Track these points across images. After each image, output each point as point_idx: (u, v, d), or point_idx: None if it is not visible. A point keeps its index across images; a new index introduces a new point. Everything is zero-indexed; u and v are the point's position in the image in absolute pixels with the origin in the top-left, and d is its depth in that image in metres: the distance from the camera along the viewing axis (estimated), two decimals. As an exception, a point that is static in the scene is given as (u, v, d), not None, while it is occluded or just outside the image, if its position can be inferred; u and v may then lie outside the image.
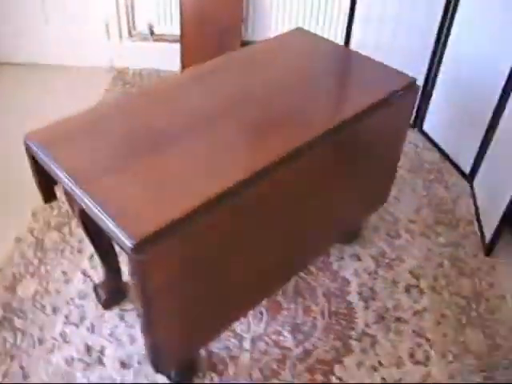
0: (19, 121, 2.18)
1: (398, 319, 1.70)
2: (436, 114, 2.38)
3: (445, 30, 2.18)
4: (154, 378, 1.50)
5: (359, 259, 1.89)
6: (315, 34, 1.75)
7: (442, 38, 2.20)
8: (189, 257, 1.12)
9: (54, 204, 1.98)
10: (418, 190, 2.19)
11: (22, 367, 1.51)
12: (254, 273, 1.36)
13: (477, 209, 2.07)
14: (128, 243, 1.01)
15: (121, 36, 2.67)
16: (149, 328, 1.19)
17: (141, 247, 1.01)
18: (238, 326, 1.65)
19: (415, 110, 2.44)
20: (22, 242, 1.89)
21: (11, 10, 2.67)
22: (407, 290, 1.79)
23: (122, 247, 1.05)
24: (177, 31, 2.50)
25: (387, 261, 1.88)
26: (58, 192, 1.39)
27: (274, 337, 1.63)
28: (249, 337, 1.63)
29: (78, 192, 1.14)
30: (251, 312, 1.68)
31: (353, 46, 2.34)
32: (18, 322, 1.63)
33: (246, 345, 1.60)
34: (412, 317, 1.71)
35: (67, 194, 1.25)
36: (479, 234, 1.99)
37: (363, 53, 1.68)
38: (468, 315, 1.72)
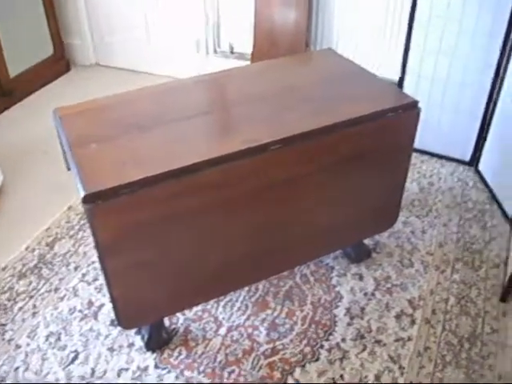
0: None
1: (378, 341, 1.68)
2: (491, 153, 2.28)
3: (502, 67, 2.11)
4: (133, 339, 1.68)
5: (361, 279, 1.89)
6: (341, 56, 1.84)
7: (501, 74, 2.13)
8: (135, 220, 1.29)
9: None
10: (450, 226, 2.11)
11: (34, 306, 1.79)
12: (213, 257, 1.48)
13: (508, 254, 1.95)
14: (81, 193, 1.22)
15: (207, 52, 3.00)
16: (107, 282, 1.38)
17: (89, 199, 1.21)
18: (221, 314, 1.77)
19: (473, 147, 2.37)
20: (72, 210, 2.21)
21: (119, 24, 3.17)
22: (398, 316, 1.76)
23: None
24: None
25: (389, 286, 1.86)
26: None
27: (249, 330, 1.72)
28: (227, 325, 1.73)
29: (69, 153, 1.38)
30: (237, 305, 1.79)
31: (408, 77, 2.36)
32: (44, 272, 1.93)
33: (222, 331, 1.71)
34: (393, 342, 1.68)
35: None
36: (502, 278, 1.87)
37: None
38: (456, 354, 1.64)
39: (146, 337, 1.64)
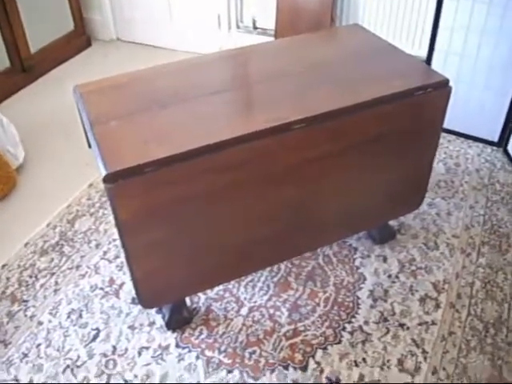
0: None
1: (401, 325, 1.65)
2: (522, 134, 2.21)
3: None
4: (154, 318, 1.68)
5: (385, 261, 1.86)
6: (368, 31, 1.78)
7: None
8: (157, 199, 1.26)
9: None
10: (476, 208, 2.06)
11: (56, 283, 1.80)
12: (238, 237, 1.46)
13: (538, 238, 1.89)
14: (102, 172, 1.20)
15: (230, 27, 2.94)
16: (128, 261, 1.37)
17: (111, 178, 1.19)
18: (243, 294, 1.75)
19: (501, 128, 2.29)
20: (93, 187, 2.20)
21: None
22: (422, 300, 1.72)
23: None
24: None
25: (413, 268, 1.83)
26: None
27: (271, 310, 1.70)
28: (249, 305, 1.72)
29: (89, 131, 1.36)
30: (259, 285, 1.78)
31: (436, 53, 2.28)
32: (66, 249, 1.93)
33: (244, 311, 1.70)
34: (417, 326, 1.65)
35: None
36: (531, 263, 1.82)
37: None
38: (481, 340, 1.61)
39: (166, 316, 1.63)
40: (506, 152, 2.31)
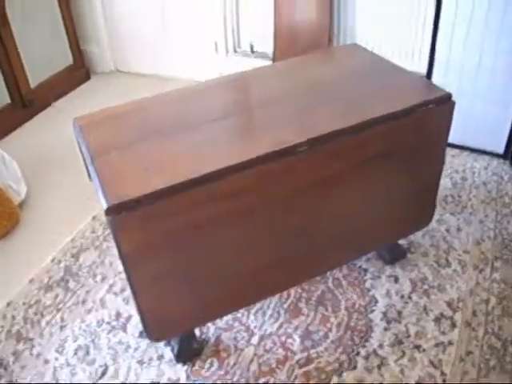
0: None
1: (417, 347, 1.60)
2: (528, 145, 2.18)
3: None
4: (163, 351, 1.64)
5: (396, 281, 1.82)
6: (367, 50, 1.77)
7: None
8: (161, 229, 1.24)
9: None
10: (486, 222, 2.02)
11: (62, 319, 1.76)
12: (241, 265, 1.43)
13: (551, 250, 1.85)
14: (103, 205, 1.18)
15: (227, 52, 2.94)
16: (134, 294, 1.34)
17: (113, 210, 1.17)
18: (253, 322, 1.71)
19: (506, 140, 2.27)
20: (97, 220, 2.18)
21: (136, 28, 3.15)
22: (437, 320, 1.68)
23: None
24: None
25: (426, 287, 1.78)
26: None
27: (282, 338, 1.66)
28: (259, 333, 1.68)
29: (89, 163, 1.34)
30: (269, 312, 1.74)
31: (436, 67, 2.27)
32: (71, 284, 1.90)
33: (254, 340, 1.66)
34: (433, 347, 1.60)
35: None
36: (546, 277, 1.78)
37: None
38: (500, 359, 1.55)
39: (175, 348, 1.59)
40: (512, 164, 2.29)
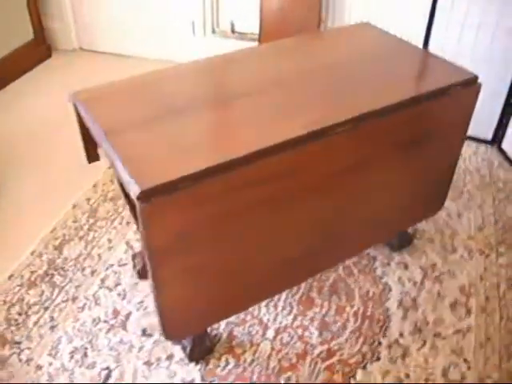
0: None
1: (437, 334, 1.56)
2: (517, 130, 2.20)
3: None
4: (171, 350, 1.51)
5: (406, 268, 1.77)
6: (381, 29, 1.70)
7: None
8: (193, 217, 1.10)
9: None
10: (485, 207, 2.02)
11: (51, 318, 1.58)
12: (269, 256, 1.32)
13: (550, 234, 1.87)
14: (134, 190, 1.03)
15: (205, 33, 2.77)
16: (156, 289, 1.19)
17: (146, 195, 1.02)
18: (265, 315, 1.61)
19: (495, 125, 2.29)
20: (78, 208, 1.99)
21: (104, 4, 2.93)
22: (453, 306, 1.65)
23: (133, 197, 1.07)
24: (256, 30, 2.55)
25: (437, 274, 1.75)
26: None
27: (299, 331, 1.57)
28: (274, 327, 1.58)
29: (104, 143, 1.18)
30: (281, 304, 1.64)
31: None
32: (57, 279, 1.71)
33: (270, 334, 1.56)
34: (453, 335, 1.56)
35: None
36: (549, 260, 1.80)
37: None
38: (519, 343, 1.55)
39: (188, 347, 1.46)
40: (500, 150, 2.30)
